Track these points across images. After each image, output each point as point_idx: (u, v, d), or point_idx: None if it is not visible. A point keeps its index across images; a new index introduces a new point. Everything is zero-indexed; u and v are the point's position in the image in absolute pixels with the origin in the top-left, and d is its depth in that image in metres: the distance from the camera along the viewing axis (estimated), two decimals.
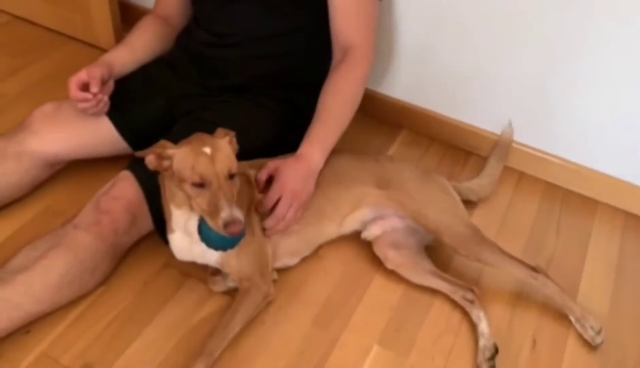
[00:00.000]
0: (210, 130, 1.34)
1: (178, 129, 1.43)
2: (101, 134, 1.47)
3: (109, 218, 1.26)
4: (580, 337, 1.32)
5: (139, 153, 1.16)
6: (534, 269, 1.34)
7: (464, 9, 1.57)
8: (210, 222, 1.07)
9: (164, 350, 1.21)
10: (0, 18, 2.13)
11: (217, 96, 1.49)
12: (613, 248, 1.54)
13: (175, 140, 1.38)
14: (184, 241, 1.21)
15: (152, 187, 1.28)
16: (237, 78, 1.50)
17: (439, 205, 1.39)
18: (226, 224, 1.05)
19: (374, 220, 1.43)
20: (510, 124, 1.67)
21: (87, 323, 1.24)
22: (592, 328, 1.31)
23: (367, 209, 1.41)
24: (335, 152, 1.44)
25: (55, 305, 1.22)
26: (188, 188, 1.09)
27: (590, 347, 1.30)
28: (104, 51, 1.99)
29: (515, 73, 1.60)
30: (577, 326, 1.33)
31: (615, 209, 1.64)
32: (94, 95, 1.36)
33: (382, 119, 1.85)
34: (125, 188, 1.29)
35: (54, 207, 1.48)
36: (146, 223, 1.33)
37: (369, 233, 1.43)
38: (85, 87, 1.36)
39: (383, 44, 1.73)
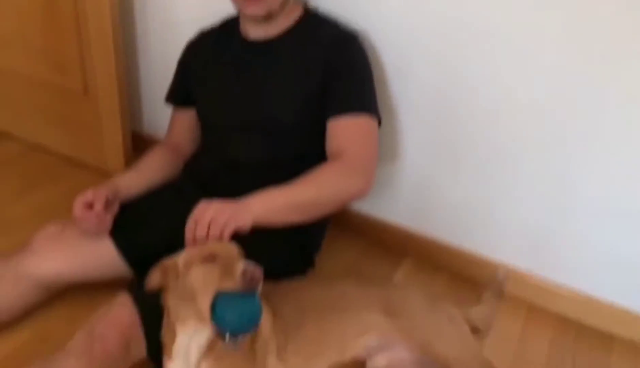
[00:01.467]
0: None
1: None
2: (103, 256, 1.46)
3: (101, 344, 1.20)
4: None
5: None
6: None
7: (461, 141, 1.63)
8: (225, 284, 1.04)
9: None
10: (16, 145, 2.22)
11: None
12: None
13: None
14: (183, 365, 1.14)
15: (149, 311, 1.24)
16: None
17: (448, 337, 1.32)
18: (245, 273, 1.02)
19: (380, 349, 1.36)
20: (503, 273, 1.64)
21: None
22: None
23: (373, 338, 1.35)
24: (340, 279, 1.42)
25: None
26: (197, 272, 1.07)
27: None
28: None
29: (518, 203, 1.61)
30: None
31: (634, 344, 1.56)
32: (97, 214, 1.37)
33: (386, 247, 1.84)
34: (121, 312, 1.25)
35: (46, 333, 1.42)
36: (139, 350, 1.26)
37: (375, 364, 1.35)
38: (90, 207, 1.38)
39: (386, 172, 1.77)
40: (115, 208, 1.46)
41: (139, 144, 2.09)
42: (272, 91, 1.48)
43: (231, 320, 1.03)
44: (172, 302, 1.13)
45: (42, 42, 1.96)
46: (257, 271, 1.04)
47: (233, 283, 1.04)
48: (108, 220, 1.42)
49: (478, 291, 1.69)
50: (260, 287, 1.05)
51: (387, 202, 1.82)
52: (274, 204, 1.30)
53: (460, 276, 1.75)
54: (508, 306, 1.59)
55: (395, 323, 1.34)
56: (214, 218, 1.19)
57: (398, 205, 1.81)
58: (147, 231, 1.49)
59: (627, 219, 1.49)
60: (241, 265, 1.05)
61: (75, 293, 1.50)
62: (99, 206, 1.38)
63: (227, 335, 1.04)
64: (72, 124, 2.08)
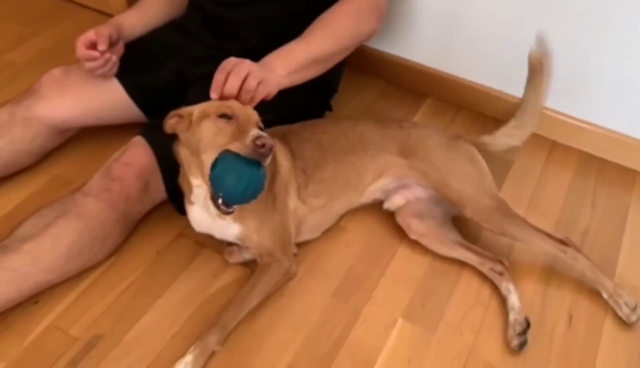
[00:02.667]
0: None
1: (193, 94, 1.35)
2: (111, 98, 1.42)
3: (120, 185, 1.20)
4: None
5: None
6: (563, 242, 1.25)
7: None
8: (235, 146, 0.97)
9: (177, 322, 1.15)
10: None
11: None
12: None
13: (188, 103, 1.33)
14: (204, 214, 1.15)
15: (165, 153, 1.22)
16: (253, 40, 1.41)
17: (464, 175, 1.30)
18: (258, 138, 0.95)
19: (396, 189, 1.35)
20: (540, 40, 1.38)
21: (97, 294, 1.19)
22: (626, 304, 1.22)
23: (390, 179, 1.34)
24: (360, 119, 1.37)
25: (65, 275, 1.17)
26: (209, 125, 1.02)
27: (626, 324, 1.22)
28: None
29: (548, 34, 1.50)
30: (611, 302, 1.23)
31: None
32: (102, 53, 1.31)
33: (406, 87, 1.77)
34: (137, 153, 1.23)
35: (63, 176, 1.42)
36: (159, 191, 1.27)
37: (392, 203, 1.36)
38: (93, 47, 1.31)
39: (407, 7, 1.63)
40: (120, 48, 1.39)
41: None
42: None
43: (227, 183, 0.96)
44: (183, 153, 1.10)
45: None
46: (270, 141, 0.96)
47: (242, 146, 0.96)
48: (114, 60, 1.35)
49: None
50: (268, 160, 0.98)
51: (408, 40, 1.71)
52: (297, 65, 1.20)
53: (482, 116, 1.69)
54: (531, 144, 1.55)
55: (411, 163, 1.31)
56: (248, 80, 1.08)
57: (419, 43, 1.70)
58: (155, 71, 1.43)
59: None
60: (256, 131, 0.98)
61: (89, 137, 1.49)
62: (102, 46, 1.31)
63: (220, 199, 0.98)
64: None
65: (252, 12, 1.40)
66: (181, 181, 1.16)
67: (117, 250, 1.25)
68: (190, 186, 1.12)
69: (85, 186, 1.22)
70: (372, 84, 1.78)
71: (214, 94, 1.07)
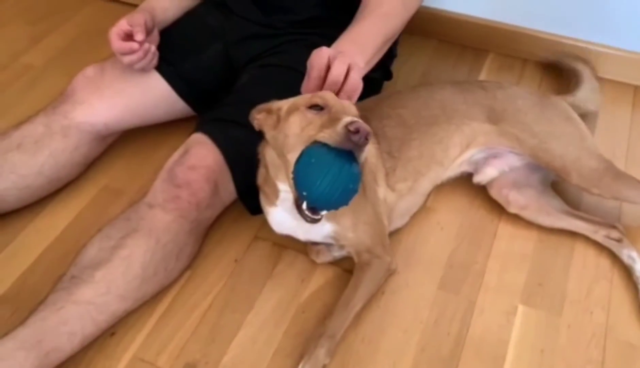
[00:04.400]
0: (289, 76, 1.11)
1: (248, 78, 1.22)
2: (154, 94, 1.27)
3: (188, 191, 1.05)
4: None
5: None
6: None
7: None
8: (323, 135, 0.80)
9: (274, 337, 1.02)
10: None
11: (282, 35, 1.25)
12: None
13: (248, 92, 1.18)
14: (288, 215, 1.00)
15: (233, 150, 1.08)
16: (304, 10, 1.26)
17: (564, 137, 1.15)
18: (350, 124, 0.78)
19: (486, 160, 1.21)
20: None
21: (179, 316, 1.05)
22: None
23: (478, 148, 1.19)
24: (437, 84, 1.23)
25: (141, 300, 1.03)
26: (297, 118, 0.86)
27: None
28: (130, 6, 1.76)
29: None
30: None
31: None
32: (140, 44, 1.16)
33: (463, 45, 1.61)
34: (201, 153, 1.08)
35: (112, 185, 1.28)
36: (228, 192, 1.13)
37: (484, 176, 1.22)
38: (128, 38, 1.16)
39: None
40: (156, 36, 1.24)
41: None
42: None
43: (312, 180, 0.78)
44: (269, 155, 0.95)
45: None
46: (366, 127, 0.79)
47: (332, 133, 0.79)
48: (154, 50, 1.21)
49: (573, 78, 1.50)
50: (365, 151, 0.81)
51: None
52: (373, 51, 1.03)
53: (552, 67, 1.53)
54: (613, 92, 1.40)
55: (502, 129, 1.17)
56: (351, 74, 0.91)
57: None
58: (197, 57, 1.29)
59: None
60: (349, 117, 0.81)
61: (133, 139, 1.35)
62: (140, 35, 1.16)
63: (305, 203, 0.82)
64: None
65: None
66: (262, 183, 1.02)
67: (191, 263, 1.11)
68: (276, 191, 0.97)
69: (149, 196, 1.07)
70: (424, 44, 1.63)
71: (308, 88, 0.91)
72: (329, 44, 1.00)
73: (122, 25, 1.16)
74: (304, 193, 0.80)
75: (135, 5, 1.68)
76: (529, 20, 1.52)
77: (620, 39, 1.45)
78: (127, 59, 1.18)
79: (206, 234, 1.15)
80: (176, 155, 1.11)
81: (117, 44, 1.17)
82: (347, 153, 0.79)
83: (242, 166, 1.09)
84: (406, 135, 1.13)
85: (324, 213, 0.84)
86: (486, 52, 1.60)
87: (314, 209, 0.83)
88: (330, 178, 0.78)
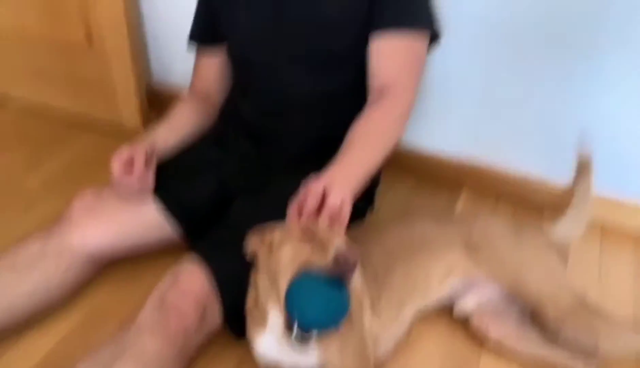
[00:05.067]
0: (279, 207, 1.19)
1: (240, 207, 1.28)
2: (149, 220, 1.32)
3: (177, 316, 1.07)
4: None
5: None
6: None
7: (528, 54, 1.48)
8: (316, 265, 0.86)
9: None
10: (16, 110, 2.01)
11: (277, 169, 1.35)
12: None
13: (240, 221, 1.24)
14: (275, 343, 1.02)
15: (223, 276, 1.12)
16: (297, 148, 1.36)
17: (539, 271, 1.21)
18: (339, 252, 0.84)
19: (466, 290, 1.26)
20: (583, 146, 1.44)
21: None
22: None
23: (457, 279, 1.25)
24: (418, 216, 1.31)
25: None
26: (289, 248, 0.92)
27: None
28: (130, 134, 1.87)
29: (590, 116, 1.50)
30: None
31: None
32: (139, 172, 1.23)
33: (440, 180, 1.73)
34: (192, 279, 1.11)
35: (100, 310, 1.29)
36: (215, 318, 1.14)
37: (464, 306, 1.26)
38: (128, 166, 1.23)
39: (437, 97, 1.63)
40: (154, 165, 1.31)
41: (149, 96, 1.90)
42: (320, 13, 1.28)
43: (303, 306, 0.85)
44: (262, 282, 1.00)
45: None
46: (353, 254, 0.86)
47: (323, 261, 0.86)
48: (151, 178, 1.27)
49: (543, 218, 1.61)
50: (353, 279, 0.88)
51: (438, 134, 1.69)
52: (358, 183, 1.12)
53: (524, 204, 1.65)
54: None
55: (479, 260, 1.23)
56: (328, 199, 0.99)
57: (448, 135, 1.69)
58: (193, 186, 1.35)
59: None
60: (338, 245, 0.88)
61: (122, 264, 1.36)
62: (139, 164, 1.23)
63: (295, 327, 0.86)
64: (77, 80, 1.88)
65: (293, 120, 1.35)
66: (252, 306, 1.04)
67: None
68: (265, 316, 1.00)
69: (138, 320, 1.08)
70: (403, 178, 1.74)
71: (293, 213, 0.99)
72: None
73: (124, 154, 1.24)
74: (295, 317, 0.85)
75: (132, 135, 1.80)
76: (498, 159, 1.65)
77: None
78: (124, 186, 1.25)
79: (191, 361, 1.14)
80: (166, 280, 1.13)
81: (117, 172, 1.23)
82: (337, 279, 0.85)
83: (231, 292, 1.11)
84: (390, 264, 1.19)
85: (313, 337, 0.88)
86: (461, 187, 1.71)
87: (304, 333, 0.87)
88: (322, 304, 0.84)
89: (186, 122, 1.43)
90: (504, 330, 1.22)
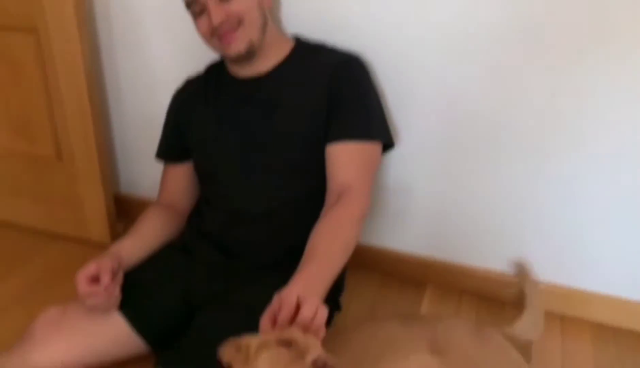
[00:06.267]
0: (244, 314, 1.21)
1: (206, 318, 1.28)
2: (114, 333, 1.31)
3: None
4: None
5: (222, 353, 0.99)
6: None
7: (476, 153, 1.58)
8: None
9: None
10: None
11: (244, 276, 1.37)
12: None
13: (206, 331, 1.24)
14: None
15: None
16: (262, 257, 1.40)
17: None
18: (317, 360, 0.86)
19: None
20: (520, 263, 1.60)
21: None
22: None
23: None
24: (383, 319, 1.33)
25: None
26: (267, 355, 0.92)
27: None
28: (97, 247, 1.88)
29: (540, 210, 1.58)
30: None
31: None
32: (105, 288, 1.24)
33: (404, 278, 1.77)
34: None
35: None
36: None
37: None
38: (94, 281, 1.25)
39: (394, 199, 1.71)
40: (120, 279, 1.32)
41: (116, 205, 1.94)
42: (277, 127, 1.38)
43: None
44: None
45: (3, 107, 1.81)
46: (331, 362, 0.89)
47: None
48: (117, 293, 1.28)
49: (508, 310, 1.65)
50: None
51: (400, 233, 1.75)
52: (324, 290, 1.15)
53: (487, 298, 1.69)
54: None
55: (444, 362, 1.25)
56: (303, 309, 1.00)
57: (410, 235, 1.74)
58: (158, 298, 1.37)
59: None
60: (316, 352, 0.91)
61: None
62: (106, 279, 1.25)
63: None
64: (45, 195, 1.90)
65: (259, 228, 1.40)
66: None
67: None
68: None
69: None
70: (369, 278, 1.77)
71: (265, 323, 1.00)
72: (281, 283, 1.10)
73: (91, 268, 1.25)
74: None
75: (100, 246, 1.81)
76: (459, 256, 1.72)
77: (544, 272, 1.63)
78: (90, 302, 1.25)
79: None
80: None
81: (83, 287, 1.24)
82: None
83: None
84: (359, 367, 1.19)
85: None
86: (425, 284, 1.75)
87: None
88: None
89: (153, 234, 1.46)
90: None
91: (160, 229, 1.48)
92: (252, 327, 1.02)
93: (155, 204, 1.54)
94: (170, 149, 1.56)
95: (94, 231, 1.87)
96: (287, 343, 0.93)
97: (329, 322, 1.45)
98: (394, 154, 1.63)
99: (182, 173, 1.55)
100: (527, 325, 1.43)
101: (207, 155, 1.46)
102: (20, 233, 1.97)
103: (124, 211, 1.99)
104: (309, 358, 0.88)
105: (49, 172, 1.85)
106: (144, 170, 1.69)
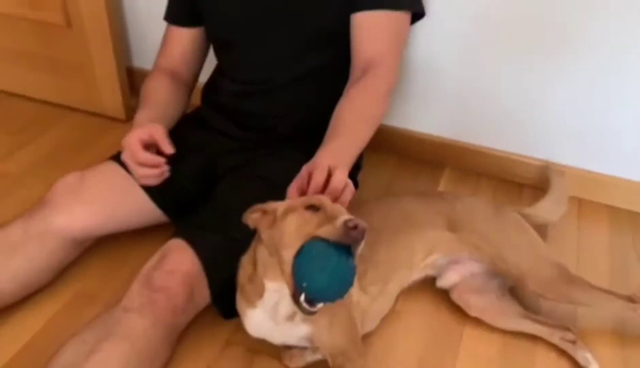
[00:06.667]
0: (263, 185, 1.20)
1: (225, 187, 1.28)
2: (132, 202, 1.31)
3: (165, 296, 1.08)
4: None
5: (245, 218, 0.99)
6: (631, 299, 1.21)
7: (504, 38, 1.51)
8: (323, 231, 0.85)
9: None
10: None
11: (262, 148, 1.35)
12: None
13: (226, 201, 1.24)
14: (267, 318, 1.04)
15: (210, 255, 1.12)
16: (284, 129, 1.36)
17: (519, 246, 1.25)
18: (348, 221, 0.84)
19: (448, 266, 1.29)
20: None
21: None
22: None
23: (440, 254, 1.27)
24: (400, 194, 1.32)
25: None
26: (295, 217, 0.91)
27: None
28: (110, 120, 1.85)
29: (564, 95, 1.53)
30: None
31: None
32: (167, 158, 1.17)
33: (422, 160, 1.75)
34: (179, 259, 1.11)
35: (86, 290, 1.28)
36: (203, 298, 1.15)
37: (446, 281, 1.29)
38: (147, 148, 1.17)
39: (420, 79, 1.65)
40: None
41: (130, 80, 1.88)
42: None
43: (314, 273, 0.83)
44: (261, 255, 0.99)
45: None
46: (363, 223, 0.86)
47: (332, 229, 0.85)
48: (168, 170, 1.20)
49: (525, 193, 1.64)
50: (361, 247, 0.87)
51: (421, 114, 1.71)
52: (349, 165, 1.11)
53: (505, 181, 1.68)
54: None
55: (461, 237, 1.26)
56: (333, 180, 0.97)
57: (432, 116, 1.70)
58: (178, 171, 1.33)
59: None
60: (344, 216, 0.87)
61: (107, 244, 1.36)
62: (169, 148, 1.17)
63: (303, 296, 0.85)
64: (56, 65, 1.84)
65: (275, 99, 1.35)
66: (245, 282, 1.04)
67: None
68: (261, 291, 1.01)
69: (125, 300, 1.08)
70: (386, 159, 1.75)
71: (293, 191, 0.98)
72: (303, 158, 1.08)
73: (142, 134, 1.15)
74: (304, 284, 0.84)
75: (113, 119, 1.78)
76: (479, 138, 1.68)
77: (564, 155, 1.61)
78: (143, 171, 1.17)
79: (179, 340, 1.15)
80: (153, 260, 1.13)
81: (141, 154, 1.13)
82: (345, 248, 0.85)
83: (218, 271, 1.12)
84: (375, 240, 1.20)
85: (320, 305, 0.87)
86: (443, 166, 1.73)
87: (311, 302, 0.86)
88: (330, 270, 0.83)
89: (165, 104, 1.35)
90: (484, 304, 1.25)
91: (170, 98, 1.37)
92: (274, 198, 1.01)
93: (158, 71, 1.42)
94: (181, 10, 1.43)
95: (108, 104, 1.83)
96: (315, 208, 0.92)
97: None
98: (422, 31, 1.54)
99: (189, 38, 1.44)
100: (548, 206, 1.43)
101: (228, 20, 1.36)
102: (35, 105, 1.94)
103: (137, 85, 1.93)
104: (340, 220, 0.86)
105: (58, 40, 1.78)
106: (157, 43, 1.61)
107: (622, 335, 1.25)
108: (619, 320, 1.27)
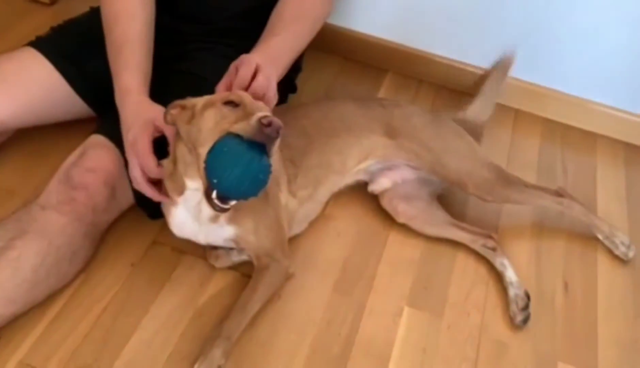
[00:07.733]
0: (195, 83, 1.14)
1: (153, 83, 1.20)
2: (53, 92, 1.23)
3: (85, 193, 1.04)
4: (611, 257, 1.29)
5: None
6: (559, 194, 1.30)
7: None
8: (237, 127, 0.84)
9: (170, 340, 1.03)
10: None
11: (191, 42, 1.27)
12: (620, 180, 1.49)
13: (151, 95, 1.17)
14: (190, 217, 1.02)
15: None
16: (217, 22, 1.28)
17: (457, 152, 1.26)
18: (264, 118, 0.82)
19: (382, 171, 1.29)
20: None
21: (70, 321, 1.04)
22: (622, 243, 1.30)
23: (375, 160, 1.27)
24: (339, 99, 1.29)
25: (31, 304, 1.01)
26: (212, 113, 0.88)
27: (623, 262, 1.29)
28: (34, 2, 1.69)
29: (509, 4, 1.49)
30: (607, 243, 1.31)
31: (614, 141, 1.59)
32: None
33: (365, 63, 1.70)
34: (100, 156, 1.07)
35: (4, 185, 1.24)
36: (126, 197, 1.12)
37: (378, 186, 1.30)
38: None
39: None
40: None
41: None
42: None
43: (223, 168, 0.82)
44: (181, 152, 0.96)
45: None
46: (278, 121, 0.83)
47: (245, 126, 0.83)
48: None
49: (464, 102, 1.63)
50: (276, 145, 0.85)
51: (364, 15, 1.64)
52: (285, 66, 1.08)
53: (445, 88, 1.66)
54: (496, 114, 1.54)
55: (400, 144, 1.25)
56: (258, 77, 0.94)
57: (376, 18, 1.64)
58: (101, 58, 1.23)
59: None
60: (260, 113, 0.84)
61: (26, 138, 1.30)
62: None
63: (215, 192, 0.84)
64: None
65: None
66: (167, 178, 1.01)
67: (86, 266, 1.09)
68: (181, 188, 0.98)
69: (42, 198, 1.04)
70: (330, 61, 1.70)
71: (221, 88, 0.94)
72: (236, 55, 1.01)
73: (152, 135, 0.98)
74: (215, 181, 0.83)
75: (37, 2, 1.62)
76: (424, 44, 1.64)
77: None
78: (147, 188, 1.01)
79: (102, 237, 1.13)
80: (73, 156, 1.09)
81: (154, 170, 0.98)
82: (259, 146, 0.83)
83: None
84: (308, 145, 1.19)
85: (233, 202, 0.87)
86: (386, 71, 1.69)
87: (224, 199, 0.85)
88: (242, 167, 0.82)
89: (148, 48, 1.15)
90: (413, 211, 1.27)
91: (150, 29, 1.16)
92: (198, 93, 0.96)
93: None
94: None
95: None
96: (235, 104, 0.88)
97: (283, 101, 1.41)
98: None
99: None
100: (478, 108, 1.44)
101: None
102: None
103: None
104: (255, 116, 0.83)
105: None
106: None
107: (540, 234, 1.33)
108: (537, 216, 1.35)
